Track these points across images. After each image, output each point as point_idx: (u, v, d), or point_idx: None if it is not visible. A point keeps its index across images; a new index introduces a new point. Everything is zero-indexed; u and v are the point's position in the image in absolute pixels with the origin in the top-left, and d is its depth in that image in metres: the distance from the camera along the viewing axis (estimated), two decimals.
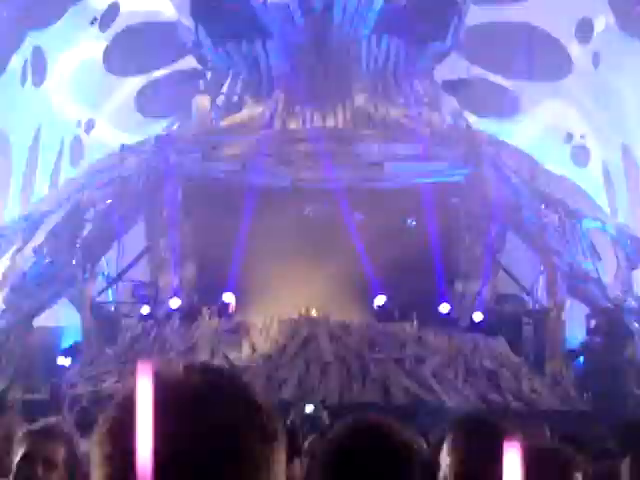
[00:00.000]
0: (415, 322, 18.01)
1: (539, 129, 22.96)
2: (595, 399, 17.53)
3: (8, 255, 20.58)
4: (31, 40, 23.74)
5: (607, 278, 19.55)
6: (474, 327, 18.43)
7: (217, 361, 16.90)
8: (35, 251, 19.89)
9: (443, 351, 17.48)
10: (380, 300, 18.32)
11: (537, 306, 20.59)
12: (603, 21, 22.09)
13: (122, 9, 23.56)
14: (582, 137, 22.62)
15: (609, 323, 18.41)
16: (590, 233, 20.24)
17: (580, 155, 22.82)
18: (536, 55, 21.70)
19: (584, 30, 22.38)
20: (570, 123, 22.73)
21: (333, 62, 20.64)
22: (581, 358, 18.84)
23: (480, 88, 22.69)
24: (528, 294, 20.88)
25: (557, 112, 22.70)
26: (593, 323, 18.73)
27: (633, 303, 19.14)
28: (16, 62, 23.93)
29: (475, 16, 21.81)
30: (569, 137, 22.80)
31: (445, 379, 16.63)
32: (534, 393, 17.38)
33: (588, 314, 18.62)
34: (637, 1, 20.99)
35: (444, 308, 18.38)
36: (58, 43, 23.62)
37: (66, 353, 18.96)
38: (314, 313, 18.21)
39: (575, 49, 22.55)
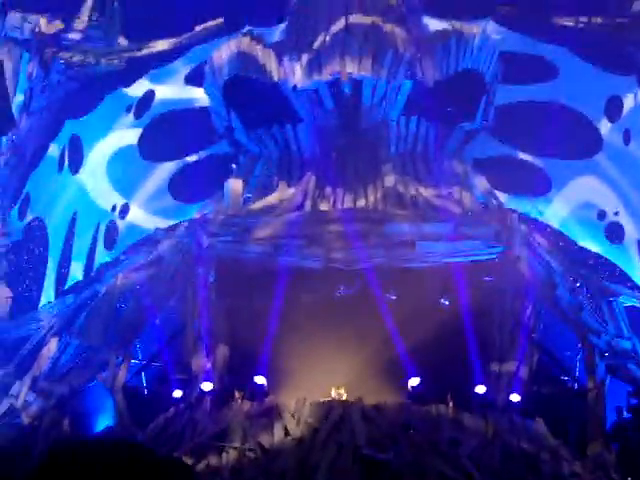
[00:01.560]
0: (450, 403, 17.68)
1: (572, 207, 22.85)
2: None
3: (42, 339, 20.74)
4: (69, 128, 24.40)
5: None
6: (511, 408, 18.03)
7: (249, 445, 16.70)
8: (69, 335, 20.00)
9: (479, 433, 17.07)
10: (414, 381, 18.05)
11: (576, 386, 20.16)
12: (632, 98, 22.16)
13: (157, 96, 24.18)
14: (616, 214, 22.44)
15: None
16: (627, 311, 19.90)
17: (614, 232, 22.61)
18: (566, 133, 21.73)
19: (613, 108, 22.45)
20: (603, 200, 22.60)
21: (363, 144, 20.87)
22: (623, 439, 18.26)
23: (511, 167, 22.75)
24: (567, 374, 20.47)
25: (589, 189, 22.61)
26: (635, 403, 18.21)
27: None
28: (54, 150, 24.59)
29: (504, 95, 22.02)
30: (602, 214, 22.64)
31: (482, 462, 16.18)
32: (574, 477, 16.83)
33: (629, 393, 18.13)
34: None
35: (480, 389, 18.04)
36: (95, 131, 24.25)
37: (98, 438, 18.82)
38: (343, 393, 18.00)
39: (605, 126, 22.58)
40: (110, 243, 24.19)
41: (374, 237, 18.99)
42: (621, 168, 22.39)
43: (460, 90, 20.92)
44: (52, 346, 20.19)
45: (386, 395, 17.89)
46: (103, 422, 19.39)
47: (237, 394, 18.04)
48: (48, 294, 23.98)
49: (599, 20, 22.08)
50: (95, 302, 20.48)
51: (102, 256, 24.11)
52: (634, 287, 21.69)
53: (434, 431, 16.87)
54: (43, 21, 24.49)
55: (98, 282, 21.75)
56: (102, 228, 24.27)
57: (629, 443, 17.47)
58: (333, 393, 18.05)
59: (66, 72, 24.00)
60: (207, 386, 18.26)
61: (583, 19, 22.05)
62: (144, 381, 21.23)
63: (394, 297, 19.68)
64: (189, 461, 16.22)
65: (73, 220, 24.38)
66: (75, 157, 24.48)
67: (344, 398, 17.94)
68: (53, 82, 23.88)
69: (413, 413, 17.29)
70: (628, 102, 22.32)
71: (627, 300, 20.21)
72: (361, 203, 20.15)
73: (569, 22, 22.13)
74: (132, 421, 18.80)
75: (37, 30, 24.42)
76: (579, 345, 19.76)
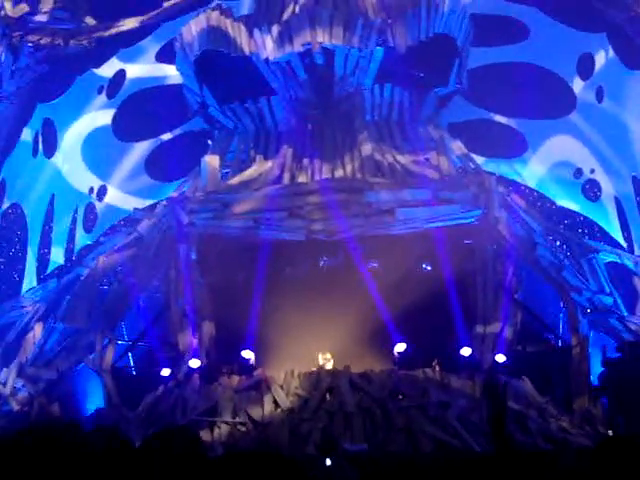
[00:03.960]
0: (437, 367, 17.85)
1: (548, 166, 22.96)
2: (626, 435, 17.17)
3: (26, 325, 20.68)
4: (41, 112, 24.17)
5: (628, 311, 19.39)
6: (497, 369, 18.21)
7: (240, 419, 16.81)
8: (53, 320, 19.96)
9: (467, 395, 17.26)
10: (400, 347, 18.19)
11: (560, 343, 20.40)
12: (603, 55, 22.21)
13: (128, 75, 23.97)
14: (592, 172, 22.58)
15: (635, 356, 18.13)
16: (607, 267, 20.10)
17: (591, 190, 22.78)
18: (539, 93, 21.77)
19: (585, 65, 22.50)
20: (579, 158, 22.72)
21: (338, 114, 20.82)
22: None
23: (486, 129, 22.81)
24: (550, 332, 20.69)
25: (565, 148, 22.72)
26: (618, 357, 18.43)
27: None
28: (27, 134, 24.36)
29: (476, 58, 22.02)
30: (579, 172, 22.78)
31: (471, 423, 16.38)
32: (563, 432, 17.08)
33: (602, 347, 18.32)
34: (635, 34, 21.13)
35: (466, 351, 18.20)
36: (67, 113, 24.02)
37: (89, 420, 18.87)
38: (330, 358, 18.15)
39: (578, 85, 22.65)
40: (89, 225, 24.08)
41: (354, 206, 19.02)
42: (595, 126, 22.50)
43: (432, 55, 20.86)
44: (37, 331, 20.14)
45: (373, 362, 18.03)
46: (92, 404, 19.42)
47: (225, 369, 18.12)
48: (30, 280, 23.87)
49: None
50: (78, 285, 20.40)
51: (82, 239, 23.99)
52: (613, 243, 21.90)
53: (422, 395, 17.04)
54: (8, 4, 24.10)
55: (80, 265, 21.66)
56: (80, 211, 24.13)
57: (625, 396, 17.60)
58: (320, 359, 18.19)
59: (35, 55, 23.68)
60: (195, 363, 18.30)
61: None
62: (131, 361, 21.26)
63: (376, 265, 19.77)
64: None
65: (51, 204, 24.22)
66: (49, 141, 24.26)
67: (331, 363, 18.10)
68: (22, 66, 23.59)
69: (401, 379, 17.45)
70: (599, 59, 22.37)
71: (607, 256, 20.40)
72: (339, 173, 20.15)
73: None
74: (121, 402, 18.84)
75: (3, 14, 24.06)
76: (561, 303, 19.97)
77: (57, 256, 24.07)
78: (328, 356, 18.24)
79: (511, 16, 22.54)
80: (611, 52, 22.05)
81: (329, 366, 18.18)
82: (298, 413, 16.56)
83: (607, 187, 22.50)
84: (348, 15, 20.31)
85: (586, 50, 22.46)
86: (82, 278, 20.55)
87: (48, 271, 23.89)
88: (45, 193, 24.30)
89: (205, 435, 16.53)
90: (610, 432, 17.58)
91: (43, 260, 24.18)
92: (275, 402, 16.98)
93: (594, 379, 18.45)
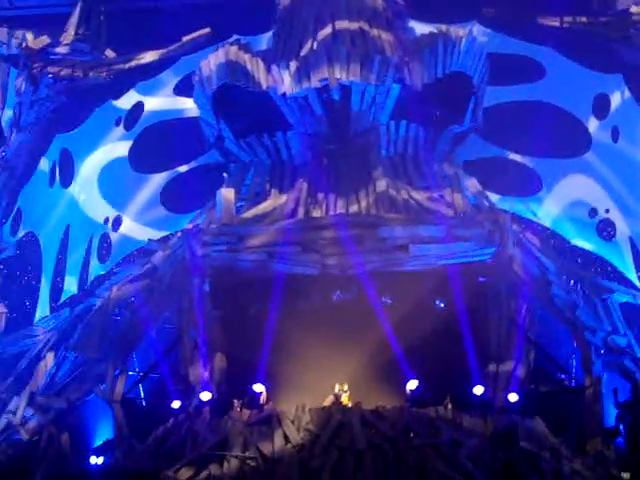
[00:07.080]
0: (449, 405, 17.72)
1: (563, 205, 22.97)
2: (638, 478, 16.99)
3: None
4: (59, 142, 24.41)
5: None
6: (510, 408, 18.08)
7: (250, 453, 16.71)
8: (65, 349, 19.98)
9: (479, 434, 17.11)
10: (412, 384, 18.08)
11: (573, 383, 20.25)
12: (619, 96, 22.31)
13: (146, 108, 24.21)
14: (607, 211, 22.57)
15: None
16: (622, 307, 20.00)
17: (606, 229, 22.75)
18: (555, 132, 21.86)
19: (601, 106, 22.61)
20: (594, 198, 22.71)
21: (353, 149, 20.93)
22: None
23: (501, 167, 22.87)
24: (564, 372, 20.56)
25: (580, 188, 22.74)
26: (632, 398, 18.29)
27: None
28: (45, 164, 24.59)
29: (492, 96, 22.16)
30: (594, 212, 22.77)
31: (482, 462, 16.22)
32: (576, 474, 16.88)
33: (614, 389, 18.14)
34: None
35: (478, 390, 18.07)
36: (85, 144, 24.26)
37: (98, 452, 18.81)
38: (346, 389, 18.08)
39: (593, 124, 22.74)
40: (103, 256, 24.17)
41: (368, 242, 19.02)
42: (610, 165, 22.52)
43: (448, 93, 21.01)
44: (49, 361, 20.17)
45: (385, 399, 17.93)
46: (102, 435, 19.37)
47: (236, 403, 18.04)
48: (43, 309, 23.94)
49: (583, 19, 22.28)
50: (90, 315, 20.45)
51: (96, 269, 24.08)
52: (627, 283, 21.80)
53: (434, 434, 16.90)
54: (30, 36, 24.53)
55: (93, 295, 21.73)
56: (95, 241, 24.24)
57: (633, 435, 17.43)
58: (337, 389, 18.14)
59: (54, 86, 24.01)
60: (205, 396, 18.23)
61: (568, 19, 22.24)
62: (142, 393, 21.21)
63: (390, 301, 19.73)
64: (190, 472, 16.23)
65: (66, 234, 24.36)
66: (66, 171, 24.48)
67: (347, 395, 18.02)
68: (42, 96, 23.91)
69: (412, 416, 17.31)
70: (615, 99, 22.47)
71: (621, 297, 20.30)
72: (354, 208, 20.20)
73: (554, 22, 22.31)
74: (131, 433, 18.77)
75: (24, 45, 24.45)
76: (575, 343, 19.85)
77: (70, 285, 24.15)
78: (345, 387, 18.19)
79: (528, 56, 22.70)
80: (627, 93, 22.15)
81: (345, 397, 18.11)
82: (309, 449, 16.44)
83: (622, 227, 22.46)
84: (365, 52, 20.50)
85: (602, 90, 22.59)
86: (95, 308, 20.60)
87: (61, 300, 23.95)
88: (60, 222, 24.46)
89: (214, 469, 16.44)
90: (623, 475, 17.41)
91: (56, 289, 24.25)
92: (286, 437, 16.86)
93: (609, 420, 18.29)
